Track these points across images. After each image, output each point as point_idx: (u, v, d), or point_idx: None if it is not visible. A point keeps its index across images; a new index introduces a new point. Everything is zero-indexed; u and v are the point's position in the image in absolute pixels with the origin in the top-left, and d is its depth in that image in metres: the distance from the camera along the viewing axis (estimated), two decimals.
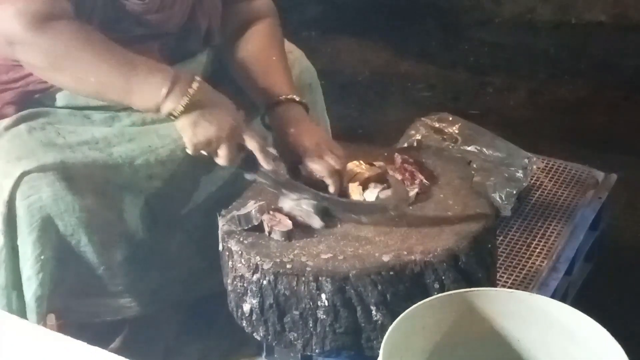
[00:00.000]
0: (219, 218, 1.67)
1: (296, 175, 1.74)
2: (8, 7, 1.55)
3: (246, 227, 1.62)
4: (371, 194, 1.71)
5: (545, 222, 2.16)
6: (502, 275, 1.99)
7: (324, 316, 1.54)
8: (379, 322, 1.54)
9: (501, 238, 2.09)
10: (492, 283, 1.70)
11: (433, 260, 1.54)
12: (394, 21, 3.99)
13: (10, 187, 1.63)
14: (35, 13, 1.56)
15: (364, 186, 1.73)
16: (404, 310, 1.42)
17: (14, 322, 1.48)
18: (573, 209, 2.21)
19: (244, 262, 1.58)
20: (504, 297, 1.49)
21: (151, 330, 2.01)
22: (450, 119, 2.32)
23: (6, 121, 1.73)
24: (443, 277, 1.55)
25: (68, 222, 1.68)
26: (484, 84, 3.55)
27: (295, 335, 1.58)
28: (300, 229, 1.62)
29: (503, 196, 2.13)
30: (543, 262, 2.03)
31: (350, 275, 1.51)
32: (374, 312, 1.54)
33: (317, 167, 1.70)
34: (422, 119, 2.33)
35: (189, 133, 1.62)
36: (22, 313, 1.69)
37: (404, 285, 1.53)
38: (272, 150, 1.71)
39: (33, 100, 1.75)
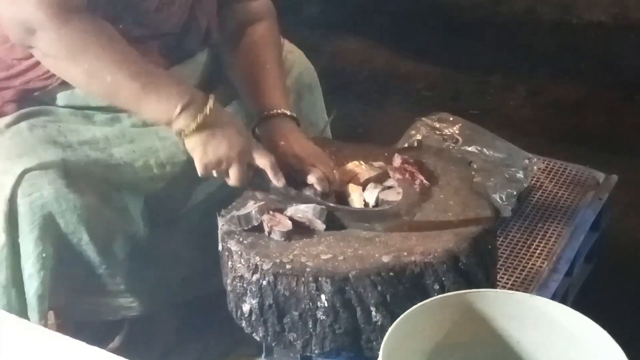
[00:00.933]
0: (218, 218, 1.66)
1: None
2: None
3: (246, 228, 1.62)
4: (370, 195, 1.70)
5: (545, 223, 2.16)
6: (502, 276, 1.98)
7: (324, 317, 1.54)
8: (379, 323, 1.53)
9: (501, 239, 2.09)
10: (492, 284, 1.70)
11: (433, 261, 1.54)
12: (395, 20, 3.99)
13: (12, 184, 1.63)
14: (57, 2, 1.55)
15: (364, 186, 1.72)
16: (404, 311, 1.42)
17: (13, 322, 1.48)
18: (573, 210, 2.21)
19: (243, 263, 1.57)
20: (504, 298, 1.48)
21: (150, 330, 2.01)
22: (451, 119, 2.31)
23: (7, 119, 1.73)
24: (443, 278, 1.54)
25: (69, 220, 1.67)
26: (485, 84, 3.55)
27: (295, 335, 1.57)
28: (300, 230, 1.62)
29: (503, 197, 2.13)
30: (543, 263, 2.03)
31: (350, 276, 1.51)
32: (373, 313, 1.53)
33: (308, 177, 1.69)
34: (423, 119, 2.32)
35: (200, 152, 1.62)
36: (22, 311, 1.69)
37: (404, 286, 1.53)
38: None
39: (33, 98, 1.75)
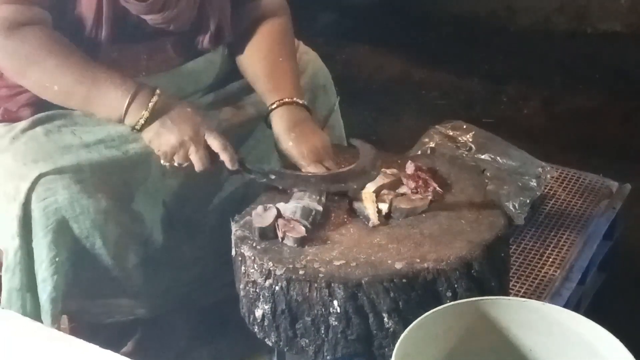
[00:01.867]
0: (232, 224, 1.67)
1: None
2: None
3: (265, 239, 1.62)
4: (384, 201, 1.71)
5: (558, 232, 2.16)
6: (515, 284, 1.98)
7: (336, 323, 1.54)
8: (391, 329, 1.53)
9: (514, 247, 2.09)
10: (505, 292, 1.70)
11: (446, 268, 1.54)
12: (409, 29, 3.99)
13: (27, 189, 1.65)
14: (6, 19, 1.62)
15: (377, 193, 1.73)
16: (416, 318, 1.42)
17: (28, 325, 1.49)
18: (587, 219, 2.21)
19: (256, 268, 1.58)
20: (516, 306, 1.48)
21: (163, 334, 2.01)
22: (464, 127, 2.32)
23: (22, 124, 1.75)
24: (456, 285, 1.54)
25: (83, 224, 1.69)
26: (499, 93, 3.55)
27: (307, 341, 1.57)
28: (313, 236, 1.62)
29: (517, 205, 2.12)
30: (556, 271, 2.03)
31: (363, 282, 1.51)
32: (386, 320, 1.53)
33: (313, 170, 1.71)
34: (436, 126, 2.33)
35: (156, 144, 1.68)
36: (36, 315, 1.70)
37: (417, 293, 1.53)
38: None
39: (49, 103, 1.77)
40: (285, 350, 1.65)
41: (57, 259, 1.68)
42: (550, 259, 2.07)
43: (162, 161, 1.69)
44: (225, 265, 1.70)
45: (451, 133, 2.28)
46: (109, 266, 1.75)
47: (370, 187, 1.71)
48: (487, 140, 2.28)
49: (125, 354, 1.43)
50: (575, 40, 3.94)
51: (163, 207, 1.81)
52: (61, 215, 1.67)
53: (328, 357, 1.58)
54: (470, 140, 2.26)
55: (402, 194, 1.73)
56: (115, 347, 1.66)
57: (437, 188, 1.73)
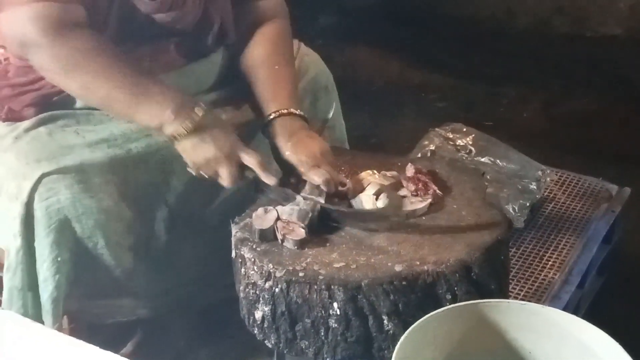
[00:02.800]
0: (232, 225, 1.67)
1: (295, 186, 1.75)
2: (26, 10, 1.59)
3: (265, 241, 1.62)
4: (383, 204, 1.71)
5: (558, 235, 2.16)
6: (515, 287, 1.98)
7: (336, 325, 1.54)
8: (391, 331, 1.54)
9: (514, 250, 2.09)
10: (505, 295, 1.70)
11: (445, 270, 1.54)
12: (408, 31, 4.00)
13: (29, 188, 1.65)
14: (51, 18, 1.60)
15: (377, 196, 1.73)
16: (416, 321, 1.43)
17: (28, 325, 1.49)
18: (586, 222, 2.21)
19: (256, 270, 1.58)
20: (516, 309, 1.48)
21: (162, 335, 2.01)
22: (464, 129, 2.32)
23: (26, 123, 1.75)
24: (455, 288, 1.55)
25: (85, 224, 1.69)
26: (498, 96, 3.55)
27: (307, 343, 1.58)
28: (313, 239, 1.62)
29: (516, 208, 2.13)
30: (556, 274, 2.03)
31: (363, 284, 1.52)
32: (385, 322, 1.54)
33: (313, 177, 1.70)
34: (436, 129, 2.33)
35: (190, 155, 1.68)
36: (37, 314, 1.71)
37: (416, 296, 1.53)
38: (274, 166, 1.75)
39: (52, 103, 1.77)
40: (285, 352, 1.65)
41: (59, 259, 1.68)
42: (550, 262, 2.07)
43: (191, 171, 1.70)
44: (226, 266, 1.71)
45: (451, 136, 2.29)
46: (110, 266, 1.76)
47: (370, 190, 1.71)
48: (487, 143, 2.28)
49: (125, 355, 1.44)
50: (574, 44, 3.94)
51: (165, 206, 1.82)
52: (63, 215, 1.67)
53: (328, 359, 1.58)
54: (470, 143, 2.26)
55: (402, 197, 1.73)
56: (115, 347, 1.67)
57: (437, 191, 1.74)
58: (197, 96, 1.88)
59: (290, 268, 1.55)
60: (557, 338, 1.46)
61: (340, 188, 1.72)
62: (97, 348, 1.41)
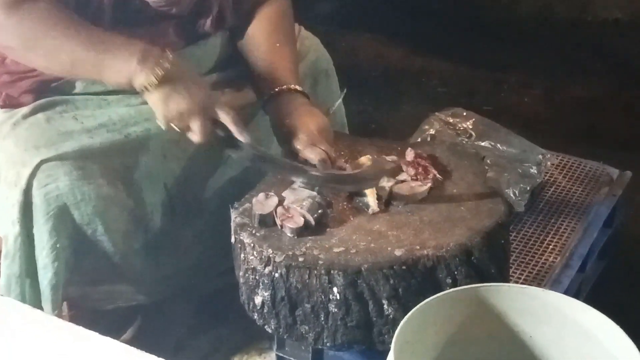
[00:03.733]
0: (231, 211, 1.67)
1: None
2: None
3: (265, 227, 1.62)
4: (383, 188, 1.70)
5: (558, 219, 2.15)
6: (515, 271, 1.98)
7: (336, 310, 1.54)
8: (391, 316, 1.54)
9: (514, 234, 2.08)
10: (505, 279, 1.70)
11: (445, 255, 1.53)
12: (409, 17, 3.98)
13: (28, 175, 1.65)
14: None
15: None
16: (416, 305, 1.42)
17: (27, 312, 1.49)
18: (587, 206, 2.20)
19: (256, 255, 1.58)
20: (516, 293, 1.48)
21: (162, 322, 2.02)
22: (465, 114, 2.31)
23: (24, 109, 1.75)
24: (455, 272, 1.54)
25: (84, 211, 1.69)
26: (500, 81, 3.54)
27: (307, 328, 1.58)
28: (310, 227, 1.61)
29: (517, 192, 2.12)
30: (556, 258, 2.02)
31: (363, 269, 1.51)
32: (385, 307, 1.53)
33: (309, 155, 1.70)
34: (436, 113, 2.32)
35: (161, 106, 1.63)
36: (35, 302, 1.71)
37: (416, 280, 1.53)
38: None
39: (50, 89, 1.77)
40: (285, 337, 1.65)
41: (57, 246, 1.68)
42: (551, 246, 2.06)
43: (160, 124, 1.65)
44: (225, 251, 1.70)
45: (451, 120, 2.28)
46: (110, 252, 1.75)
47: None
48: (488, 128, 2.27)
49: (125, 342, 1.44)
50: (576, 29, 3.92)
51: (164, 191, 1.81)
52: (62, 201, 1.67)
53: (328, 344, 1.58)
54: (471, 127, 2.25)
55: (402, 181, 1.72)
56: (115, 334, 1.67)
57: (437, 175, 1.73)
58: None
59: (290, 253, 1.55)
60: (557, 322, 1.46)
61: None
62: (97, 334, 1.41)
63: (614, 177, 2.32)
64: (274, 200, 1.64)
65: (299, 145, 1.71)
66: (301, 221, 1.60)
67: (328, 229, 1.61)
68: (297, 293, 1.55)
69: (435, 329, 1.45)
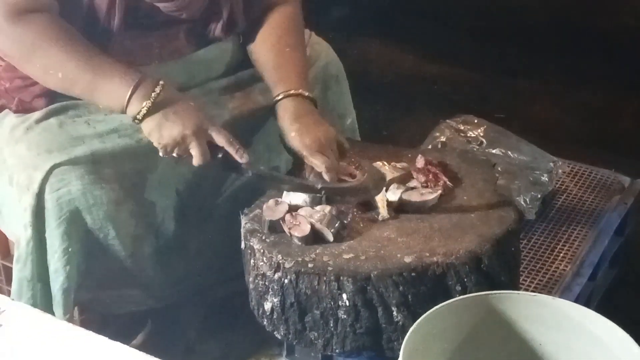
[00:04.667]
0: (241, 217, 1.67)
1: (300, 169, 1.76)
2: None
3: (274, 233, 1.62)
4: (393, 195, 1.70)
5: (569, 227, 2.15)
6: (525, 278, 1.98)
7: (345, 316, 1.54)
8: (400, 323, 1.53)
9: (525, 242, 2.08)
10: (515, 286, 1.69)
11: (455, 262, 1.53)
12: (421, 23, 3.98)
13: (40, 179, 1.66)
14: (11, 5, 1.62)
15: (387, 187, 1.72)
16: (425, 312, 1.42)
17: (38, 316, 1.49)
18: (598, 214, 2.20)
19: (265, 261, 1.58)
20: (526, 300, 1.48)
21: (172, 327, 2.02)
22: (476, 121, 2.31)
23: (37, 114, 1.76)
24: (465, 280, 1.54)
25: (96, 215, 1.70)
26: (511, 88, 3.53)
27: (316, 334, 1.58)
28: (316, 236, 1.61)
29: (527, 200, 2.12)
30: (567, 266, 2.02)
31: (372, 275, 1.51)
32: (395, 313, 1.53)
33: (316, 162, 1.70)
34: (447, 121, 2.32)
35: (156, 136, 1.66)
36: (47, 306, 1.71)
37: (426, 287, 1.53)
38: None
39: (62, 94, 1.77)
40: (294, 343, 1.65)
41: (69, 250, 1.69)
42: (561, 254, 2.06)
43: (160, 153, 1.68)
44: (235, 256, 1.71)
45: (462, 127, 2.28)
46: (121, 257, 1.76)
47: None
48: (498, 135, 2.27)
49: (135, 347, 1.44)
50: (588, 35, 3.91)
51: (176, 196, 1.82)
52: (74, 206, 1.68)
53: (337, 351, 1.58)
54: (482, 134, 2.25)
55: (413, 188, 1.72)
56: (125, 339, 1.67)
57: (448, 182, 1.73)
58: (207, 83, 1.88)
59: (300, 259, 1.55)
60: (567, 330, 1.46)
61: (350, 180, 1.72)
62: (107, 339, 1.41)
63: (625, 185, 2.31)
64: (284, 206, 1.65)
65: (304, 151, 1.71)
66: (308, 229, 1.60)
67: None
68: (306, 299, 1.55)
69: (445, 336, 1.45)
